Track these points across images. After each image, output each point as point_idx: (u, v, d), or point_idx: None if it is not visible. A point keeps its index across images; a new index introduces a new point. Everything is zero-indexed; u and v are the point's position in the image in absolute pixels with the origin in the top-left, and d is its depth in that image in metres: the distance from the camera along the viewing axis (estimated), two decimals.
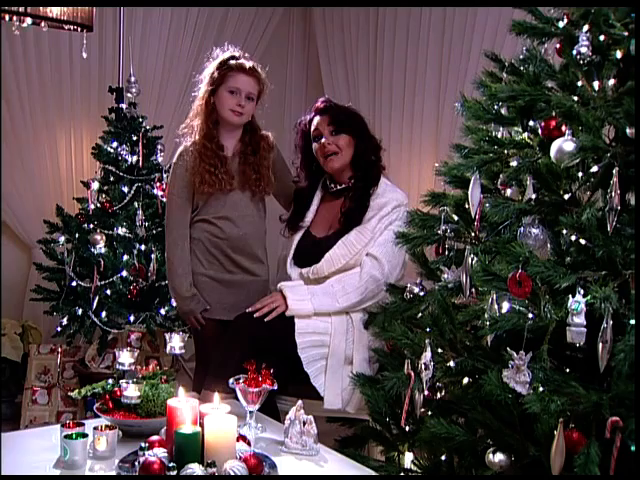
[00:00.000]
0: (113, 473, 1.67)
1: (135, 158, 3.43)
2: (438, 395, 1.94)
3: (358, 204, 2.48)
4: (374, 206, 2.47)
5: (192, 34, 4.27)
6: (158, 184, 3.42)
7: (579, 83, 1.80)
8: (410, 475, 2.01)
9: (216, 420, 1.57)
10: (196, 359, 2.70)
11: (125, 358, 2.02)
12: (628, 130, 1.66)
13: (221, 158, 2.54)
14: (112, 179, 3.45)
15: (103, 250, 3.33)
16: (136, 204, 3.39)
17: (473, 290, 1.90)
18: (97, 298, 3.29)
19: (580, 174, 1.78)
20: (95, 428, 1.77)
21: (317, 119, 2.54)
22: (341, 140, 2.50)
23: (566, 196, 1.79)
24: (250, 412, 1.96)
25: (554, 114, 1.77)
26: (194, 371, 2.75)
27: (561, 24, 1.87)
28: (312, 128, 2.55)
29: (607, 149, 1.68)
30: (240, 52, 2.59)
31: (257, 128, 2.65)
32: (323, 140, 2.49)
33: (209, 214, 2.57)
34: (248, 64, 2.55)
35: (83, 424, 1.78)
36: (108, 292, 3.32)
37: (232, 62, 2.54)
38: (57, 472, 1.68)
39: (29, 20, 2.88)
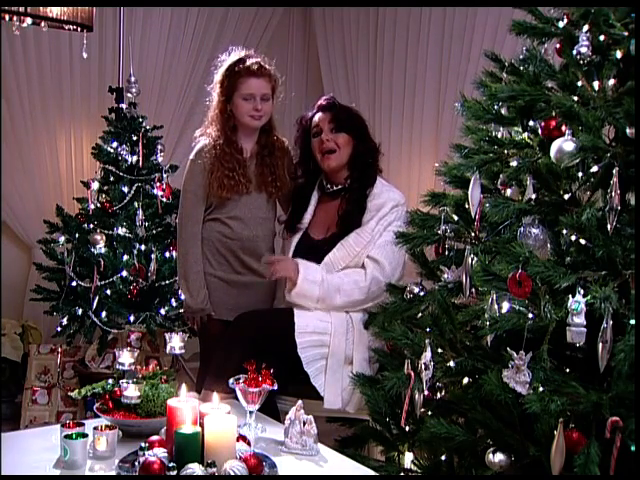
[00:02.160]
0: (113, 473, 1.67)
1: (135, 158, 3.42)
2: (438, 395, 1.94)
3: (355, 206, 2.48)
4: (372, 207, 2.46)
5: (192, 34, 4.27)
6: (158, 184, 3.41)
7: (579, 83, 1.80)
8: (410, 475, 2.01)
9: (216, 420, 1.57)
10: (200, 359, 2.69)
11: (125, 358, 2.02)
12: (628, 130, 1.66)
13: (239, 161, 2.54)
14: (112, 179, 3.44)
15: (103, 250, 3.32)
16: (136, 204, 3.38)
17: (473, 290, 1.90)
18: (97, 298, 3.29)
19: (580, 174, 1.78)
20: (95, 428, 1.77)
21: (319, 115, 2.55)
22: (340, 138, 2.50)
23: (566, 196, 1.80)
24: (250, 412, 1.96)
25: (554, 114, 1.77)
26: (198, 371, 2.75)
27: (561, 24, 1.87)
28: (313, 124, 2.55)
29: (607, 149, 1.68)
30: (245, 51, 2.57)
31: (272, 128, 2.64)
32: (322, 136, 2.50)
33: (221, 213, 2.57)
34: (255, 65, 2.52)
35: (83, 424, 1.78)
36: (108, 292, 3.32)
37: (240, 67, 2.51)
38: (57, 472, 1.69)
39: (29, 20, 2.88)
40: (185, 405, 1.60)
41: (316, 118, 2.55)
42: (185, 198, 2.60)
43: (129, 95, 3.53)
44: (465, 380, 1.92)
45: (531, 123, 1.90)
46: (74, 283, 3.36)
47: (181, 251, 2.62)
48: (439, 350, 1.88)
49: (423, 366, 1.84)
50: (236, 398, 1.97)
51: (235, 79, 2.51)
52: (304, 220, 2.59)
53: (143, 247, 3.38)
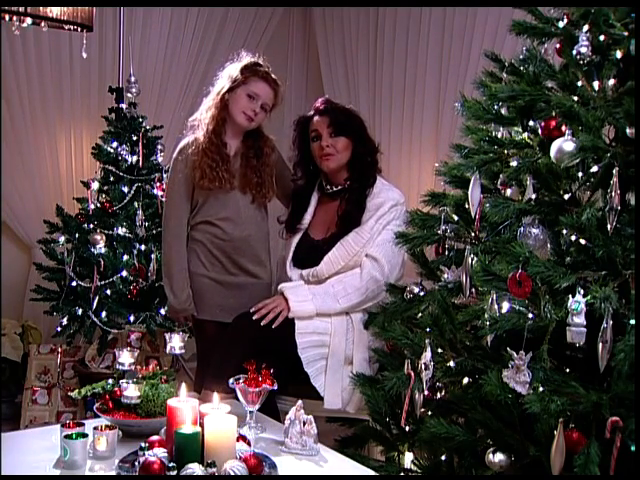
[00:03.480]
0: (113, 473, 1.67)
1: (135, 158, 3.43)
2: (438, 395, 1.94)
3: (355, 206, 2.48)
4: (371, 207, 2.46)
5: (192, 34, 4.27)
6: (158, 184, 3.42)
7: (579, 83, 1.80)
8: (410, 475, 2.01)
9: (216, 420, 1.57)
10: (197, 359, 2.70)
11: (125, 358, 2.02)
12: (628, 130, 1.66)
13: (223, 156, 2.54)
14: (112, 179, 3.45)
15: (103, 250, 3.33)
16: (136, 204, 3.39)
17: (473, 290, 1.90)
18: (97, 298, 3.29)
19: (580, 174, 1.78)
20: (95, 428, 1.77)
21: (316, 119, 2.54)
22: (339, 143, 2.49)
23: (566, 196, 1.80)
24: (250, 412, 1.96)
25: (554, 114, 1.78)
26: (195, 371, 2.75)
27: (561, 24, 1.87)
28: (311, 127, 2.54)
29: (607, 149, 1.68)
30: (267, 63, 2.59)
31: (261, 134, 2.65)
32: (322, 142, 2.49)
33: (210, 215, 2.56)
34: (273, 76, 2.56)
35: (83, 424, 1.78)
36: (108, 292, 3.32)
37: (259, 69, 2.54)
38: (57, 472, 1.69)
39: (29, 20, 2.88)
40: (185, 405, 1.60)
41: (314, 122, 2.54)
42: (170, 197, 2.61)
43: (129, 95, 3.53)
44: (465, 380, 1.92)
45: (531, 123, 1.90)
46: (74, 283, 3.36)
47: (165, 250, 2.62)
48: (439, 350, 1.88)
49: (423, 366, 1.84)
50: (236, 398, 1.97)
51: (249, 75, 2.52)
52: (304, 220, 2.59)
53: (143, 247, 3.38)
